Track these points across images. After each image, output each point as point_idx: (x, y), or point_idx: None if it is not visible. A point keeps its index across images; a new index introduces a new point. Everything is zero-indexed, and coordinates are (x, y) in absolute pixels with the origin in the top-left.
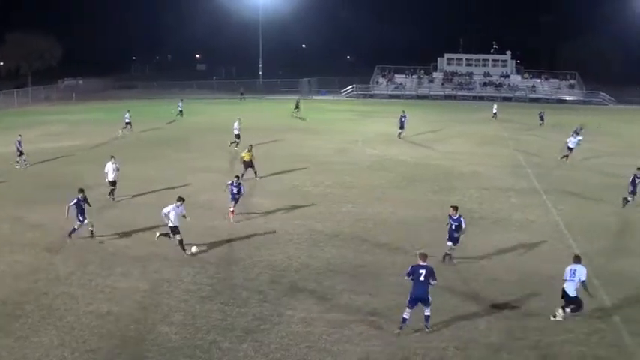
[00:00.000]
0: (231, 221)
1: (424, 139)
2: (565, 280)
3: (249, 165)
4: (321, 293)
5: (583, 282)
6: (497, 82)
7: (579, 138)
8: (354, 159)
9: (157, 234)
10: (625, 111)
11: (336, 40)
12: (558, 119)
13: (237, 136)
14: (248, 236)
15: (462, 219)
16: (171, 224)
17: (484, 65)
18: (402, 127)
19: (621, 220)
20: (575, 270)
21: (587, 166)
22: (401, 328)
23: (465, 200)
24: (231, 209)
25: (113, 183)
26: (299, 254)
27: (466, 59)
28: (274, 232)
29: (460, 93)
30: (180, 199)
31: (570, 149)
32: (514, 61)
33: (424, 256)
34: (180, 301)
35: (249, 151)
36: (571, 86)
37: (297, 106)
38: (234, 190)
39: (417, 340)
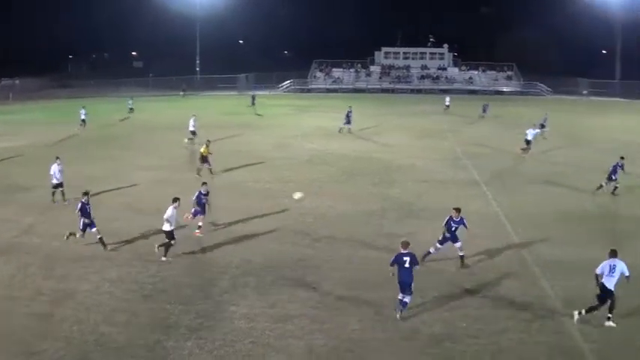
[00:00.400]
0: (201, 235)
1: (363, 133)
2: (603, 275)
3: (205, 160)
4: (262, 289)
5: (627, 277)
6: (434, 75)
7: (543, 130)
8: (293, 154)
9: (156, 246)
10: (563, 101)
11: (274, 36)
12: (498, 111)
13: (193, 133)
14: (188, 234)
15: (464, 219)
16: (170, 228)
17: (421, 58)
18: (348, 122)
19: (559, 210)
20: (614, 265)
21: (526, 156)
22: (401, 311)
23: (404, 193)
24: (200, 224)
25: (59, 184)
26: (240, 250)
27: (403, 53)
28: (215, 229)
29: (398, 86)
30: (176, 200)
31: (528, 142)
32: (451, 54)
33: (406, 244)
34: (123, 300)
35: (207, 146)
36: (508, 78)
37: (253, 102)
38: (204, 200)
39: (360, 333)
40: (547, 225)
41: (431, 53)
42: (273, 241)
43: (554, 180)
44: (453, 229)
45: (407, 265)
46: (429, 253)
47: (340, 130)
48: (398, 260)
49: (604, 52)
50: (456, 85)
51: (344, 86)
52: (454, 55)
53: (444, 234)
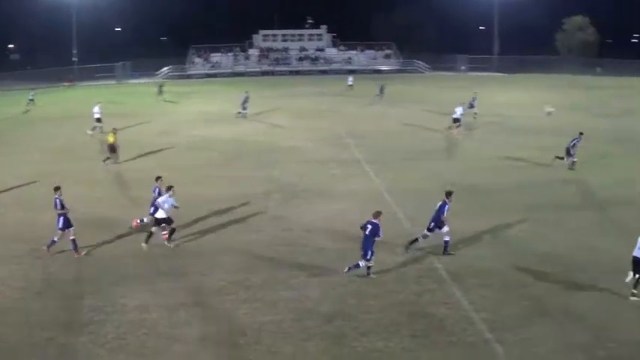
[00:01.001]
0: (171, 245)
1: (246, 117)
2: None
3: (113, 148)
4: (151, 279)
5: None
6: (313, 56)
7: (471, 110)
8: (176, 140)
9: (144, 245)
10: (441, 77)
11: (151, 22)
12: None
13: (99, 120)
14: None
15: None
16: (164, 215)
17: (300, 40)
18: (244, 108)
19: (442, 184)
20: None
21: (403, 132)
22: (349, 269)
23: (286, 175)
24: (164, 234)
25: None
26: (127, 241)
27: (282, 35)
28: (100, 221)
29: (277, 69)
30: (170, 187)
31: (456, 120)
32: (330, 35)
33: (376, 214)
34: (14, 299)
35: (114, 134)
36: (387, 56)
37: (160, 91)
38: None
39: (251, 315)
40: (431, 199)
41: (309, 35)
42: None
43: (436, 156)
44: (445, 214)
45: (367, 232)
46: (417, 240)
47: (238, 115)
48: (364, 226)
49: (482, 28)
50: (334, 66)
51: (223, 71)
52: (333, 36)
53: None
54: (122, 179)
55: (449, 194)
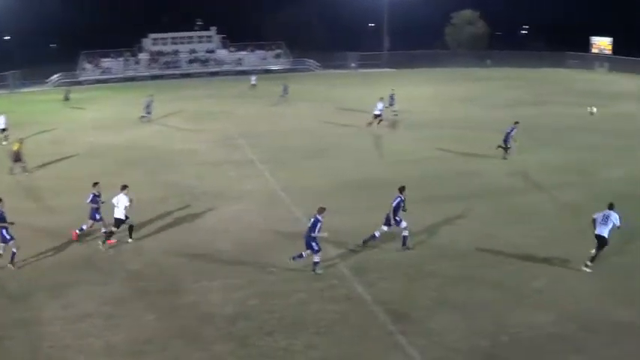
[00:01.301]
0: (105, 248)
1: (136, 122)
2: (598, 223)
3: (19, 158)
4: (55, 291)
5: (618, 227)
6: (203, 59)
7: (390, 107)
8: (69, 148)
9: (100, 243)
10: (332, 75)
11: (39, 29)
12: (269, 90)
13: (4, 130)
14: None
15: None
16: (120, 216)
17: (189, 42)
18: (148, 112)
19: (336, 181)
20: (608, 215)
21: (298, 131)
22: (293, 258)
23: (183, 178)
24: (104, 230)
25: None
26: (25, 254)
27: (171, 38)
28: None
29: (167, 72)
30: (125, 187)
31: (377, 116)
32: (220, 36)
33: (319, 210)
34: None
35: (19, 143)
36: (277, 56)
37: (66, 98)
38: (98, 203)
39: (156, 322)
40: (326, 196)
41: (199, 37)
42: (57, 240)
43: (332, 153)
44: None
45: (309, 225)
46: (374, 236)
47: (143, 119)
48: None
49: (372, 25)
50: (225, 67)
51: (114, 76)
52: (223, 37)
53: (388, 215)
54: (29, 188)
55: (402, 189)
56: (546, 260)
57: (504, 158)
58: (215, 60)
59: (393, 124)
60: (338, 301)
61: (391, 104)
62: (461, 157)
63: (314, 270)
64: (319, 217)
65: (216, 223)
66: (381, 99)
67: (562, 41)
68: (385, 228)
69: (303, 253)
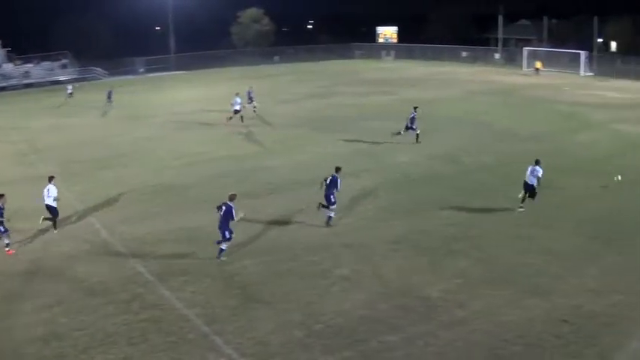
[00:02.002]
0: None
1: None
2: (527, 175)
3: None
4: None
5: (539, 178)
6: None
7: (251, 104)
8: None
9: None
10: (120, 82)
11: None
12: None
13: None
14: None
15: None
16: (51, 203)
17: None
18: None
19: (133, 190)
20: (535, 169)
21: (90, 141)
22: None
23: None
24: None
25: None
26: None
27: None
28: None
29: None
30: (52, 177)
31: (237, 111)
32: (4, 50)
33: (230, 197)
34: None
35: None
36: (64, 66)
37: None
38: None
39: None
40: (124, 205)
41: None
42: None
43: (125, 161)
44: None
45: (221, 212)
46: (330, 217)
47: None
48: (219, 207)
49: (158, 28)
50: (12, 82)
51: None
52: (8, 51)
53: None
54: None
55: (338, 169)
56: (348, 246)
57: (417, 142)
58: (2, 75)
59: (186, 124)
60: (147, 310)
61: (250, 100)
62: (251, 154)
63: (219, 257)
64: (231, 204)
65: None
66: (237, 94)
67: (349, 32)
68: (332, 207)
69: (221, 245)
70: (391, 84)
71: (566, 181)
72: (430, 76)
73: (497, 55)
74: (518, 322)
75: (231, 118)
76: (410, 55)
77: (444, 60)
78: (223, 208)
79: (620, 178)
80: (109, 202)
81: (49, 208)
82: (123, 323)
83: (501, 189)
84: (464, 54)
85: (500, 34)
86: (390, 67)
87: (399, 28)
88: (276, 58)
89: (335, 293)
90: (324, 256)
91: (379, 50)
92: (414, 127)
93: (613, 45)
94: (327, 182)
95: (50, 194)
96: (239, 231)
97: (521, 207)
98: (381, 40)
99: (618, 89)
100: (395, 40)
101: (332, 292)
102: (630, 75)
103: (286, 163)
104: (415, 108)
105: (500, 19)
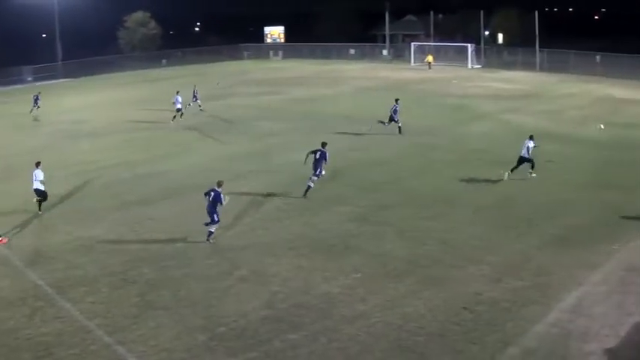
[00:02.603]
0: None
1: None
2: (522, 148)
3: None
4: None
5: (529, 148)
6: None
7: (195, 102)
8: None
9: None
10: (7, 92)
11: None
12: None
13: None
14: None
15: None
16: (40, 187)
17: None
18: None
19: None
20: (526, 143)
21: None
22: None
23: None
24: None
25: None
26: None
27: None
28: None
29: None
30: (39, 163)
31: (179, 110)
32: None
33: (219, 183)
34: None
35: None
36: None
37: None
38: (42, 178)
39: None
40: (17, 218)
41: None
42: None
43: (11, 175)
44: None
45: (210, 199)
46: (310, 187)
47: None
48: (207, 193)
49: (44, 35)
50: None
51: None
52: None
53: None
54: None
55: (324, 144)
56: (245, 248)
57: (400, 133)
58: None
59: (73, 135)
60: (49, 323)
61: (195, 99)
62: (142, 160)
63: (208, 239)
64: (219, 190)
65: None
66: (178, 92)
67: (237, 33)
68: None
69: (210, 228)
70: (280, 84)
71: (463, 173)
72: (319, 74)
73: (385, 52)
74: (419, 312)
75: (175, 117)
76: (298, 55)
77: (332, 58)
78: (212, 194)
79: (602, 126)
80: (2, 215)
81: (37, 191)
82: (26, 338)
83: (401, 182)
84: (352, 51)
85: (387, 31)
86: (279, 67)
87: (287, 27)
88: (164, 61)
89: (235, 295)
90: (221, 258)
91: (267, 50)
92: (395, 119)
93: (500, 37)
94: (317, 156)
95: (37, 178)
96: (132, 236)
97: (508, 174)
98: (268, 40)
99: (506, 80)
100: (282, 40)
101: (232, 294)
102: (517, 66)
103: (179, 167)
104: (397, 100)
105: (387, 15)
